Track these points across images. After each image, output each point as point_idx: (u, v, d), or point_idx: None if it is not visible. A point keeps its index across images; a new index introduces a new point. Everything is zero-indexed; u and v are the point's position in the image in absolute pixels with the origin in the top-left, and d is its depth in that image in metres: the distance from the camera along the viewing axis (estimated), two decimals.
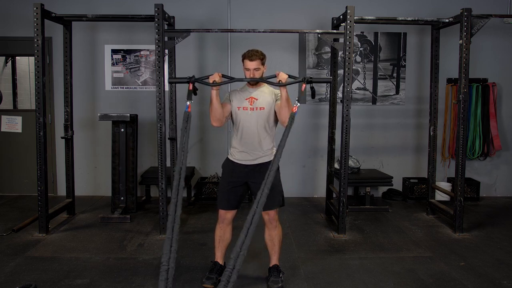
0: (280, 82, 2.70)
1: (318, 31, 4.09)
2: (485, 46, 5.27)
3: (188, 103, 2.63)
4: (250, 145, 2.84)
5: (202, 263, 3.28)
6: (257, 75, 2.81)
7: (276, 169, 2.89)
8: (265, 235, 2.96)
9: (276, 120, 2.91)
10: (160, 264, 2.09)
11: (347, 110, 3.84)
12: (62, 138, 4.42)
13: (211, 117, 2.84)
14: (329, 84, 4.89)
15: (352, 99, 4.75)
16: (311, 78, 2.71)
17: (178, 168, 2.38)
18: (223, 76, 2.81)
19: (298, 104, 2.60)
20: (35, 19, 3.75)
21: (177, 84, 4.82)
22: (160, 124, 3.78)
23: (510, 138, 5.46)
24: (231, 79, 2.87)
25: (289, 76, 2.74)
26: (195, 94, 2.73)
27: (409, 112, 5.38)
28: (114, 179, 4.56)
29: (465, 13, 3.84)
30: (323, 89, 5.28)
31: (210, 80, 2.74)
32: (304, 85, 2.69)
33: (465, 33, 3.84)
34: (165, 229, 3.80)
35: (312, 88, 2.79)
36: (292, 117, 2.55)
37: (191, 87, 2.70)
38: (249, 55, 2.78)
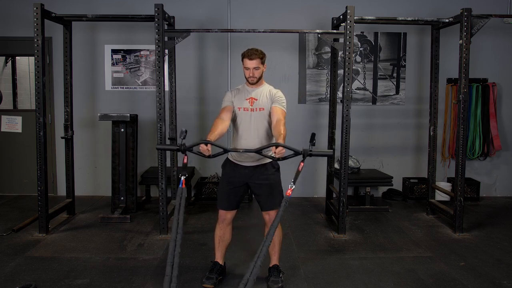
0: (278, 157, 2.53)
1: (318, 31, 4.08)
2: (485, 46, 5.27)
3: (182, 178, 2.36)
4: (250, 146, 2.83)
5: (202, 263, 3.28)
6: (257, 74, 2.81)
7: (276, 167, 2.91)
8: (265, 235, 2.95)
9: None
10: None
11: (347, 110, 3.84)
12: (62, 138, 4.42)
13: None
14: (329, 84, 4.90)
15: (352, 99, 4.75)
16: (310, 151, 2.41)
17: (174, 237, 2.24)
18: (212, 145, 2.55)
19: (293, 186, 2.38)
20: (35, 19, 3.75)
21: (177, 84, 4.81)
22: (160, 124, 3.78)
23: (510, 138, 5.46)
24: (224, 150, 2.61)
25: (286, 147, 2.49)
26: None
27: (409, 112, 5.38)
28: (114, 179, 4.56)
29: (465, 13, 3.84)
30: (323, 89, 5.28)
31: (202, 151, 2.55)
32: (301, 164, 2.41)
33: (465, 33, 3.84)
34: (165, 229, 3.83)
35: (313, 134, 2.47)
36: (285, 201, 2.38)
37: (186, 160, 2.45)
38: (249, 54, 2.78)
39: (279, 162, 2.77)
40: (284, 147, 2.48)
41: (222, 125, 2.77)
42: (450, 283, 3.00)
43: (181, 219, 2.27)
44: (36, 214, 4.00)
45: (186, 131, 2.46)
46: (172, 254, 2.14)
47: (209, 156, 2.55)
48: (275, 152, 2.50)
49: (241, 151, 2.66)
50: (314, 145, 2.40)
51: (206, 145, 2.54)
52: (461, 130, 3.94)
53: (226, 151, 2.62)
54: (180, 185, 2.31)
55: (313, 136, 2.40)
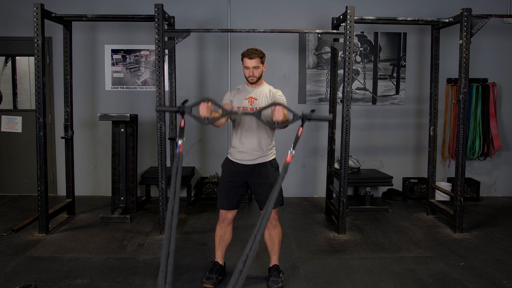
0: (277, 122, 2.48)
1: (318, 31, 4.08)
2: (485, 46, 5.27)
3: (179, 142, 2.28)
4: (249, 145, 2.84)
5: (202, 263, 3.28)
6: (256, 73, 2.82)
7: (276, 167, 2.90)
8: (265, 234, 2.96)
9: None
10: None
11: (347, 110, 3.84)
12: (62, 138, 4.42)
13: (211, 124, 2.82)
14: (329, 84, 4.90)
15: (352, 99, 4.76)
16: (309, 115, 2.33)
17: (171, 207, 2.17)
18: (213, 103, 2.52)
19: (293, 152, 2.28)
20: (35, 19, 3.75)
21: (177, 84, 4.82)
22: (160, 124, 3.78)
23: (510, 138, 5.46)
24: (226, 112, 2.61)
25: (286, 107, 2.50)
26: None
27: (409, 112, 5.38)
28: (114, 179, 4.56)
29: (465, 13, 3.84)
30: (323, 89, 5.28)
31: (200, 114, 2.50)
32: (300, 130, 2.32)
33: (465, 33, 3.84)
34: (164, 231, 3.82)
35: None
36: (285, 167, 2.28)
37: (183, 124, 2.34)
38: (248, 53, 2.79)
39: (279, 162, 2.76)
40: (284, 106, 2.47)
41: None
42: (450, 283, 3.00)
43: (178, 186, 2.19)
44: (36, 214, 4.00)
45: (187, 100, 2.42)
46: (169, 225, 2.05)
47: (206, 120, 2.48)
48: (276, 122, 2.46)
49: (239, 113, 2.66)
50: (313, 111, 2.36)
51: (207, 103, 2.49)
52: (461, 130, 3.94)
53: (227, 113, 2.59)
54: (177, 150, 2.26)
55: (313, 110, 2.38)
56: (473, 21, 3.90)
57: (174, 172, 2.17)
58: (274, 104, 2.49)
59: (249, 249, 2.00)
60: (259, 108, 2.59)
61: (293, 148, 2.27)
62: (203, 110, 2.49)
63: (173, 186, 2.15)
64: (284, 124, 2.48)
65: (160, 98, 3.76)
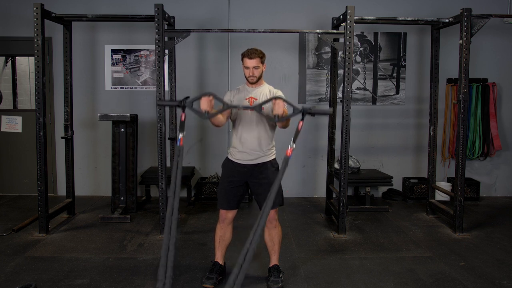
0: (277, 116, 2.49)
1: (318, 31, 4.08)
2: (485, 46, 5.27)
3: (180, 136, 2.28)
4: (249, 145, 2.84)
5: (202, 263, 3.28)
6: (257, 73, 2.82)
7: (275, 167, 2.90)
8: (265, 234, 2.96)
9: None
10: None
11: (347, 110, 3.84)
12: (62, 138, 4.42)
13: (211, 122, 2.84)
14: (329, 84, 4.90)
15: (352, 99, 4.75)
16: (310, 109, 2.30)
17: (171, 202, 2.17)
18: (214, 97, 2.54)
19: (294, 146, 2.23)
20: (35, 19, 3.75)
21: (177, 84, 4.82)
22: (160, 124, 3.78)
23: (510, 138, 5.46)
24: (227, 106, 2.62)
25: (286, 101, 2.50)
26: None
27: (409, 112, 5.38)
28: (114, 179, 4.56)
29: (465, 13, 3.84)
30: (323, 89, 5.28)
31: (201, 107, 2.51)
32: (301, 123, 2.27)
33: (465, 33, 3.84)
34: (165, 225, 3.82)
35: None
36: (285, 160, 2.23)
37: (183, 118, 2.34)
38: (248, 53, 2.79)
39: (279, 162, 2.76)
40: (284, 100, 2.48)
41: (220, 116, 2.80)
42: (450, 283, 3.00)
43: (179, 179, 2.19)
44: (36, 214, 4.00)
45: (188, 96, 2.42)
46: (170, 215, 2.04)
47: (206, 114, 2.48)
48: (276, 116, 2.47)
49: (240, 107, 2.68)
50: (314, 107, 2.35)
51: (209, 97, 2.50)
52: (461, 130, 3.94)
53: (228, 106, 2.61)
54: (178, 143, 2.26)
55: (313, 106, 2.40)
56: (473, 21, 3.90)
57: (174, 165, 2.16)
58: (275, 98, 2.50)
59: (246, 251, 2.00)
60: (260, 103, 2.61)
61: (293, 142, 2.25)
62: (204, 103, 2.50)
63: (173, 178, 2.15)
64: (284, 118, 2.49)
65: (160, 98, 3.76)
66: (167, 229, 1.97)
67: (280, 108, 2.49)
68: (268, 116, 2.67)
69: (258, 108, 2.51)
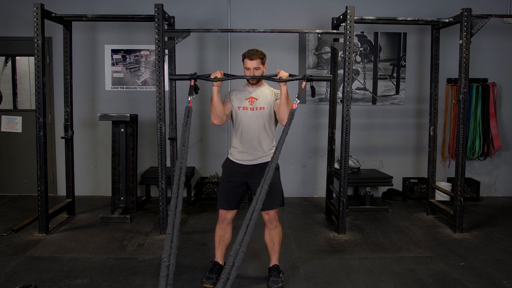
0: (281, 78, 2.72)
1: (318, 31, 4.08)
2: (485, 46, 5.27)
3: (189, 98, 2.65)
4: (250, 145, 2.84)
5: (202, 263, 3.28)
6: (257, 74, 2.82)
7: (275, 166, 2.90)
8: (265, 235, 2.96)
9: (276, 120, 2.91)
10: (161, 260, 2.09)
11: (347, 110, 3.84)
12: (62, 138, 4.42)
13: (211, 114, 2.84)
14: (329, 83, 4.90)
15: (352, 99, 4.76)
16: (311, 76, 2.71)
17: (179, 164, 2.38)
18: (225, 74, 2.84)
19: (298, 101, 2.60)
20: (35, 19, 3.75)
21: (177, 84, 4.82)
22: (160, 124, 3.78)
23: (510, 138, 5.46)
24: (233, 76, 2.95)
25: (290, 75, 2.76)
26: (196, 93, 2.75)
27: (409, 112, 5.38)
28: (114, 179, 4.56)
29: (465, 13, 3.84)
30: (323, 89, 5.28)
31: (212, 77, 2.78)
32: (304, 83, 2.68)
33: (465, 33, 3.84)
34: (165, 229, 3.82)
35: (312, 87, 2.81)
36: (291, 113, 2.57)
37: (192, 83, 2.73)
38: (249, 54, 2.79)
39: (279, 162, 2.76)
40: (288, 76, 2.74)
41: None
42: (450, 283, 3.00)
43: (187, 142, 2.49)
44: (36, 214, 4.00)
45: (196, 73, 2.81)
46: (177, 186, 2.24)
47: (215, 78, 2.76)
48: (280, 77, 2.72)
49: (246, 76, 2.85)
50: (313, 86, 2.80)
51: (221, 71, 2.81)
52: (461, 130, 3.94)
53: (234, 76, 3.00)
54: (188, 104, 2.63)
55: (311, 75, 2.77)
56: (473, 21, 3.90)
57: (183, 128, 2.53)
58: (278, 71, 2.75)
59: (238, 245, 2.07)
60: (263, 76, 2.84)
61: (298, 98, 2.61)
62: (215, 73, 2.78)
63: (181, 142, 2.46)
64: (287, 80, 2.70)
65: (160, 98, 3.76)
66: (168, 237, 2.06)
67: (285, 74, 2.73)
68: (271, 77, 2.80)
69: (265, 77, 2.81)
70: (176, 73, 4.79)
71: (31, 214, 4.37)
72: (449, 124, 5.28)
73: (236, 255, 2.07)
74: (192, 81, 2.74)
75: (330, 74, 4.71)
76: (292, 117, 2.55)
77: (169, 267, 2.03)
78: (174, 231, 2.14)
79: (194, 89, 2.73)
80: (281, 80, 2.71)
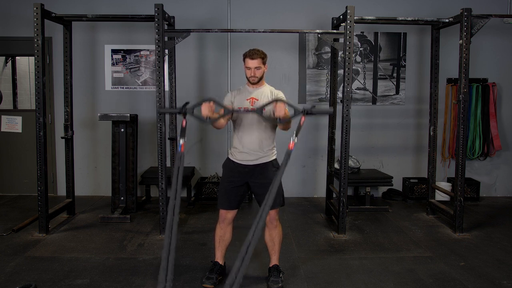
0: (279, 119, 2.57)
1: (318, 31, 4.08)
2: (485, 46, 5.27)
3: (181, 141, 2.36)
4: (250, 146, 2.84)
5: (202, 263, 3.28)
6: (258, 74, 2.82)
7: (275, 166, 2.90)
8: (265, 235, 2.96)
9: None
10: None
11: (347, 110, 3.84)
12: (62, 138, 4.42)
13: (213, 127, 2.84)
14: (329, 84, 4.90)
15: (352, 99, 4.75)
16: (311, 109, 2.46)
17: (172, 205, 2.19)
18: (215, 102, 2.64)
19: (296, 140, 2.36)
20: (35, 19, 3.75)
21: (177, 84, 4.83)
22: (160, 124, 3.78)
23: (510, 138, 5.46)
24: (226, 111, 2.71)
25: (287, 103, 2.59)
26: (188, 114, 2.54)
27: (409, 112, 5.38)
28: (114, 179, 4.56)
29: (465, 13, 3.84)
30: (323, 89, 5.28)
31: (202, 113, 2.59)
32: (303, 119, 2.43)
33: (465, 33, 3.84)
34: (165, 229, 3.83)
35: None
36: (288, 154, 2.35)
37: (184, 124, 2.43)
38: (250, 54, 2.79)
39: (279, 162, 2.77)
40: (285, 102, 2.55)
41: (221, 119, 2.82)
42: (450, 283, 3.00)
43: (180, 185, 2.25)
44: (36, 214, 4.00)
45: (188, 102, 2.56)
46: (170, 226, 2.09)
47: (207, 119, 2.57)
48: (278, 118, 2.55)
49: (241, 111, 2.74)
50: (314, 107, 2.50)
51: (209, 102, 2.61)
52: (461, 130, 3.94)
53: (228, 111, 2.70)
54: (179, 149, 2.34)
55: (313, 106, 2.53)
56: (473, 21, 3.90)
57: (175, 171, 2.20)
58: (275, 100, 2.59)
59: (244, 252, 2.00)
60: (261, 105, 2.66)
61: (296, 136, 2.35)
62: (205, 109, 2.60)
63: (174, 183, 2.18)
64: (286, 120, 2.54)
65: (160, 98, 3.76)
66: (167, 233, 1.99)
67: (282, 111, 2.55)
68: (270, 118, 2.69)
69: (259, 111, 2.54)
70: (177, 77, 4.80)
71: (31, 214, 4.37)
72: (449, 124, 5.28)
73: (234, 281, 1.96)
74: (184, 121, 2.47)
75: (330, 74, 4.70)
76: (288, 158, 2.33)
77: (168, 266, 2.00)
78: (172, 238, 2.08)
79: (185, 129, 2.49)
80: (280, 122, 2.54)
